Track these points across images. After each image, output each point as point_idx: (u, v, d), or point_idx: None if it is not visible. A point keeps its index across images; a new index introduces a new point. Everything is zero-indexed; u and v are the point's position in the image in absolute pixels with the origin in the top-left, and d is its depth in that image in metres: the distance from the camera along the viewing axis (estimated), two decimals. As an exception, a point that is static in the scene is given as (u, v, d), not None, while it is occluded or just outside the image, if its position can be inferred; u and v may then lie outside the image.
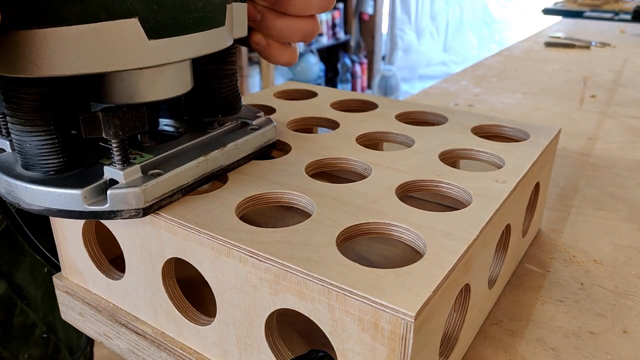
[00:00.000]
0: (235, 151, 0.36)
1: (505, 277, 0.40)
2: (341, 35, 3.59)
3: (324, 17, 3.36)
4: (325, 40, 3.42)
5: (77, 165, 0.32)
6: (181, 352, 0.34)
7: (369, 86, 3.84)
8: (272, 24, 0.38)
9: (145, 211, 0.30)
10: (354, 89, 3.68)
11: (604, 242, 0.46)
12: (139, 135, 0.35)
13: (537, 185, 0.43)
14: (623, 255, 0.44)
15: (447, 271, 0.25)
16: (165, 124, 0.40)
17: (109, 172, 0.30)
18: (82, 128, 0.28)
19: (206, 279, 0.30)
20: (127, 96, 0.31)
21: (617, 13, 1.72)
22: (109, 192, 0.29)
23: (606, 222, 0.49)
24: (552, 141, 0.43)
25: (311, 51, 3.35)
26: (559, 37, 1.39)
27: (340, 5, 3.55)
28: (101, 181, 0.30)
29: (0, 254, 0.36)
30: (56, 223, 0.39)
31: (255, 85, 2.87)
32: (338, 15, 3.52)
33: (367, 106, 0.52)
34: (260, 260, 0.27)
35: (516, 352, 0.34)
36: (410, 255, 0.41)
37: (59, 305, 0.42)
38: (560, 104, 0.86)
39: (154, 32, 0.28)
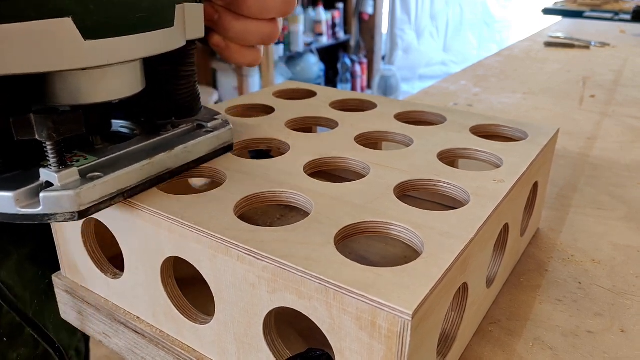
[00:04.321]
0: (185, 154, 0.35)
1: (504, 277, 0.40)
2: (341, 35, 3.59)
3: (324, 17, 3.36)
4: (325, 40, 3.42)
5: (14, 167, 0.31)
6: (180, 350, 0.34)
7: (369, 86, 3.84)
8: (229, 26, 0.38)
9: (81, 214, 0.29)
10: (354, 88, 3.68)
11: (602, 241, 0.46)
12: (90, 137, 0.34)
13: (536, 185, 0.43)
14: (622, 254, 0.44)
15: (444, 270, 0.25)
16: (122, 125, 0.39)
17: (45, 174, 0.29)
18: (14, 130, 0.27)
19: (204, 277, 0.30)
20: (69, 97, 0.30)
21: (617, 13, 1.72)
22: (41, 194, 0.28)
23: (605, 221, 0.49)
24: (550, 141, 0.43)
25: (311, 51, 3.34)
26: (558, 37, 1.39)
27: (340, 5, 3.55)
28: (36, 184, 0.29)
29: None
30: (56, 222, 0.39)
31: (255, 85, 2.87)
32: (338, 15, 3.52)
33: (366, 106, 0.52)
34: (258, 259, 0.27)
35: (514, 351, 0.34)
36: (408, 254, 0.41)
37: (59, 304, 0.42)
38: (560, 104, 0.86)
39: (91, 32, 0.27)
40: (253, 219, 0.45)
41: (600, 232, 0.48)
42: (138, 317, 0.36)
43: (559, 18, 1.80)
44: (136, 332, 0.36)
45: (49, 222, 0.29)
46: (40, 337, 0.38)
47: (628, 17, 1.65)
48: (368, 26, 3.74)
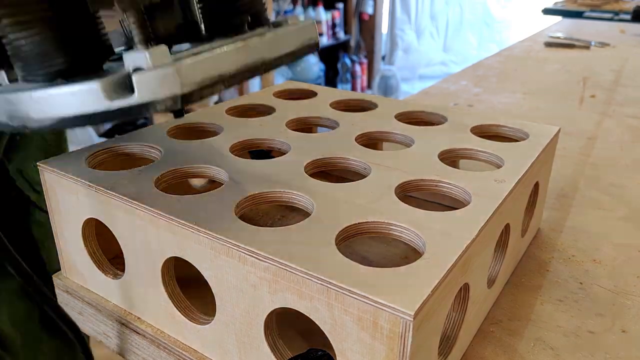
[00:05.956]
0: (276, 43, 0.30)
1: (505, 277, 0.40)
2: (341, 35, 3.58)
3: (324, 17, 3.36)
4: (325, 40, 3.42)
5: (84, 69, 0.26)
6: (181, 351, 0.34)
7: (369, 86, 3.83)
8: None
9: (185, 99, 0.24)
10: (354, 89, 3.67)
11: (603, 241, 0.46)
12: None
13: (537, 185, 0.43)
14: (622, 254, 0.44)
15: (446, 270, 0.25)
16: (185, 49, 0.33)
17: (130, 58, 0.24)
18: (89, 0, 0.24)
19: (206, 278, 0.30)
20: None
21: (617, 13, 1.72)
22: (134, 77, 0.23)
23: (605, 221, 0.49)
24: (551, 141, 0.43)
25: (311, 51, 3.34)
26: (558, 37, 1.39)
27: (340, 5, 3.55)
28: (122, 73, 0.24)
29: None
30: (56, 222, 0.39)
31: (255, 85, 2.87)
32: (338, 15, 3.52)
33: (366, 106, 0.52)
34: (259, 260, 0.27)
35: (515, 351, 0.34)
36: (410, 254, 0.41)
37: (59, 304, 0.42)
38: (560, 104, 0.86)
39: None
40: (254, 220, 0.45)
41: (600, 232, 0.48)
42: (139, 318, 0.36)
43: (559, 18, 1.80)
44: (137, 332, 0.36)
45: (146, 116, 0.25)
46: None
47: (628, 17, 1.65)
48: (368, 26, 3.74)
